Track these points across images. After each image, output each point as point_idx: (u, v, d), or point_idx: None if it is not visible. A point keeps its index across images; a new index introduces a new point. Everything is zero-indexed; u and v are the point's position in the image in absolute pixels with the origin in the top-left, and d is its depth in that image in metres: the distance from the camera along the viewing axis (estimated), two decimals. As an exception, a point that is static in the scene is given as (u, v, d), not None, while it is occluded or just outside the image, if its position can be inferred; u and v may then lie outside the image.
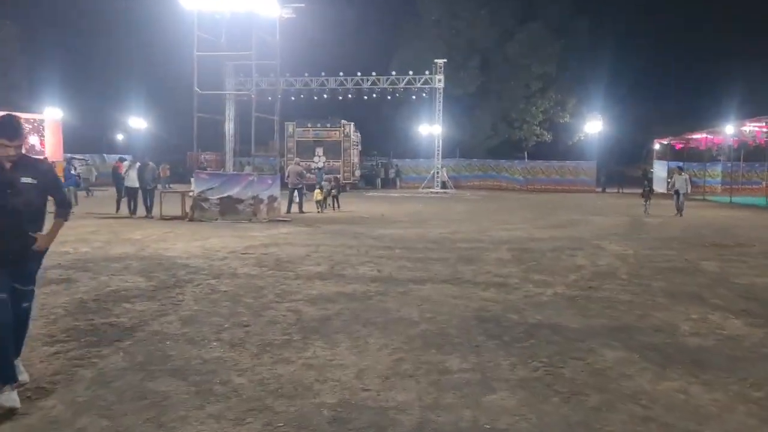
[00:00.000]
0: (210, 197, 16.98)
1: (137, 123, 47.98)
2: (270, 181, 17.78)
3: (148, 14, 35.06)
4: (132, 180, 16.84)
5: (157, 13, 29.89)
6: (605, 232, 14.98)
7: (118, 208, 17.99)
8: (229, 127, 38.62)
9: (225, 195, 16.98)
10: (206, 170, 20.81)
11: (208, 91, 17.70)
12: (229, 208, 17.00)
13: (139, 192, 17.24)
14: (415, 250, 11.34)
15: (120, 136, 53.67)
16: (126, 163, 17.42)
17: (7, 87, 40.69)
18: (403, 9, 45.73)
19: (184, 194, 17.85)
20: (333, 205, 21.07)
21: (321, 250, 11.34)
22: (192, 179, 17.89)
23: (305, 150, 35.30)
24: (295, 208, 19.84)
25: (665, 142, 40.25)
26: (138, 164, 16.86)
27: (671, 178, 23.67)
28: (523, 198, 31.45)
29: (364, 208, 22.84)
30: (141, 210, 17.29)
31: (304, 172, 21.02)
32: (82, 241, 12.19)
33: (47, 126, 31.43)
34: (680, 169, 20.40)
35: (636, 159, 47.78)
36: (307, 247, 11.65)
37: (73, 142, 40.10)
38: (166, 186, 34.32)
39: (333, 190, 21.12)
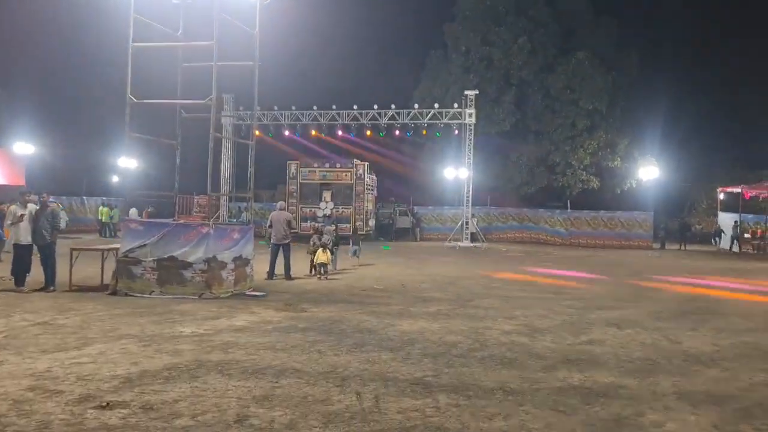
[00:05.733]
0: (143, 259, 11.09)
1: (127, 163, 42.92)
2: (237, 235, 11.88)
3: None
4: (23, 233, 10.94)
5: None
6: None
7: None
8: (227, 167, 33.39)
9: (165, 256, 11.09)
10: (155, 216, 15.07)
11: (146, 100, 12.01)
12: (171, 276, 11.07)
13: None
14: (479, 394, 5.32)
15: (115, 178, 48.53)
16: (12, 208, 11.29)
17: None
18: (425, 38, 40.73)
19: (104, 253, 11.95)
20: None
21: (278, 393, 5.34)
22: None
23: (310, 194, 29.68)
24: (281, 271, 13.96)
25: (737, 191, 34.06)
26: (31, 207, 10.98)
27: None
28: (574, 256, 25.17)
29: (377, 269, 16.86)
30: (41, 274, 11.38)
31: (293, 220, 15.14)
32: None
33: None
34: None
35: (698, 211, 41.73)
36: (255, 379, 5.67)
37: (53, 184, 34.96)
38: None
39: (332, 246, 15.14)
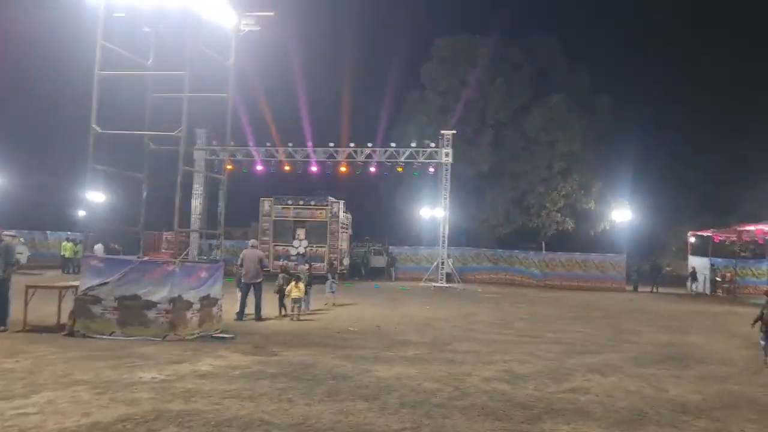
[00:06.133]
0: (103, 297, 10.52)
1: (95, 197, 41.88)
2: (205, 274, 11.37)
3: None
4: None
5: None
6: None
7: None
8: (196, 203, 32.77)
9: (128, 294, 10.54)
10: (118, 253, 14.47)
11: (111, 131, 11.57)
12: (133, 316, 10.49)
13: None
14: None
15: (81, 213, 47.35)
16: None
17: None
18: (403, 77, 40.89)
19: (62, 291, 11.32)
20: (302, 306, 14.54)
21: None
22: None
23: (284, 231, 29.10)
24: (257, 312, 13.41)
25: (707, 235, 34.46)
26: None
27: None
28: (550, 297, 24.94)
29: (351, 309, 16.37)
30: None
31: (265, 258, 14.66)
32: None
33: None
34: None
35: (667, 254, 42.13)
36: (217, 434, 5.19)
37: (15, 217, 33.76)
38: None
39: (306, 286, 14.62)
